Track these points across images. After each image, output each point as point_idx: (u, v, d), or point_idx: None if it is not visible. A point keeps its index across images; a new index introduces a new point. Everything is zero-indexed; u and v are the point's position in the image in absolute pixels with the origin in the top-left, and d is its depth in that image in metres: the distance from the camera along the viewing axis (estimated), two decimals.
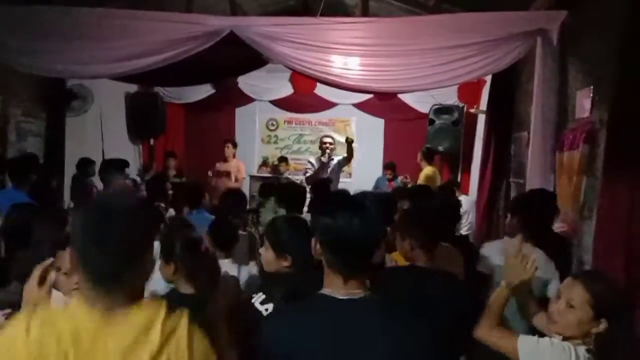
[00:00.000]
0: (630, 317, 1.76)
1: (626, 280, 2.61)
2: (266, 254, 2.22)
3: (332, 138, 7.11)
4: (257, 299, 2.11)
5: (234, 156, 7.57)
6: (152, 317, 1.24)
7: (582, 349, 1.72)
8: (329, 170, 6.65)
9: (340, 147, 7.53)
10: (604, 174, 3.02)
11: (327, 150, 6.77)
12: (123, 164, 5.32)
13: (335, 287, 1.49)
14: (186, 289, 2.27)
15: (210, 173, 7.44)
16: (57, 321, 1.23)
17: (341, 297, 1.47)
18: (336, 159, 6.81)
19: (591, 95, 3.58)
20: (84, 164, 5.63)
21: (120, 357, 1.20)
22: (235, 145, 7.61)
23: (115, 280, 1.24)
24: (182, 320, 1.28)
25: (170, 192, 5.32)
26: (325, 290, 1.50)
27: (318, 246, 1.53)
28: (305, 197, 4.23)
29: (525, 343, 1.81)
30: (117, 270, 1.24)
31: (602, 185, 3.04)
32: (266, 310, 2.03)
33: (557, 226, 3.86)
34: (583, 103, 3.71)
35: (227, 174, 7.41)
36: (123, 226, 1.25)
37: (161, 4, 4.78)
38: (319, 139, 8.35)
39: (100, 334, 1.21)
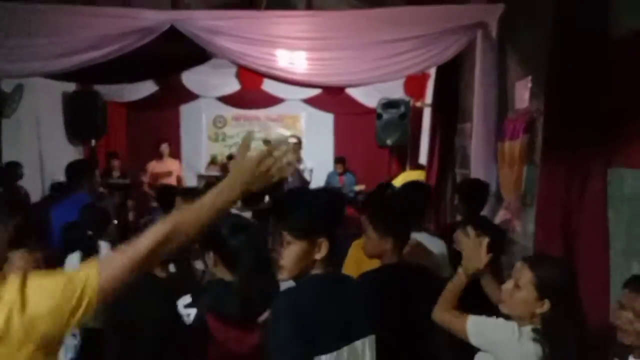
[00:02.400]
0: (574, 298, 1.80)
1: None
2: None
3: (298, 139, 7.09)
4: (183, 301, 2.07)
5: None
6: None
7: (527, 328, 1.78)
8: (303, 173, 6.64)
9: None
10: (542, 162, 3.11)
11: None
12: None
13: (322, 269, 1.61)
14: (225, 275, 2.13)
15: (144, 178, 7.25)
16: None
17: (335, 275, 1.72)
18: (305, 164, 6.81)
19: (529, 85, 3.69)
20: (8, 168, 5.33)
21: None
22: (170, 145, 7.66)
23: None
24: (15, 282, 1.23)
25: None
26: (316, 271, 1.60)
27: (323, 244, 1.60)
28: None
29: (473, 324, 1.88)
30: None
31: (540, 173, 3.14)
32: (187, 315, 2.00)
33: (501, 214, 3.97)
34: (522, 94, 3.82)
35: (169, 174, 7.33)
36: None
37: None
38: (269, 136, 8.32)
39: None
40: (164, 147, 7.55)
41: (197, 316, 2.00)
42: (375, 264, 2.34)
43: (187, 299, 2.09)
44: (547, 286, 1.77)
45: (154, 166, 7.47)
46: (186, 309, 2.05)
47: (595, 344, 2.51)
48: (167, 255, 2.12)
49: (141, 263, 1.28)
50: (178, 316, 2.07)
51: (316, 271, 1.57)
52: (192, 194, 3.74)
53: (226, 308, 1.86)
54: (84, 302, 1.24)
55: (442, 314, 2.00)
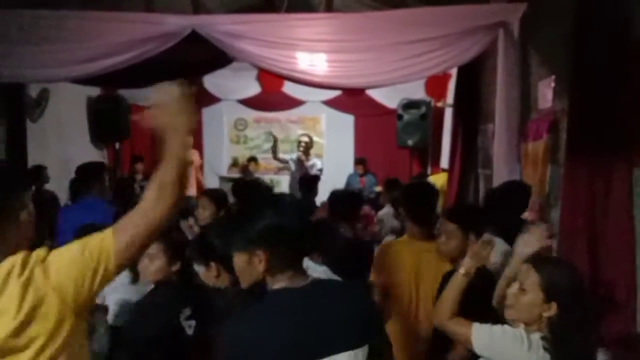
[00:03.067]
0: (582, 301, 1.72)
1: (589, 264, 2.66)
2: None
3: (309, 137, 7.14)
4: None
5: None
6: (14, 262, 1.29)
7: (536, 336, 1.71)
8: (310, 170, 6.68)
9: (316, 146, 7.59)
10: (566, 162, 3.07)
11: (302, 148, 6.81)
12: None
13: (287, 282, 1.49)
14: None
15: None
16: None
17: (299, 286, 1.49)
18: (314, 160, 6.85)
19: (552, 85, 3.64)
20: (34, 172, 5.45)
21: None
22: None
23: None
24: (20, 257, 1.31)
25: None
26: (280, 285, 1.49)
27: (262, 258, 1.47)
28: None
29: (478, 333, 1.80)
30: None
31: (564, 174, 3.09)
32: (189, 326, 2.01)
33: (525, 215, 3.92)
34: (545, 93, 3.77)
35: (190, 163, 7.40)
36: None
37: (119, 4, 4.67)
38: (288, 138, 8.40)
39: None
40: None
41: (198, 328, 2.03)
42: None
43: (187, 311, 2.10)
44: (554, 288, 1.69)
45: None
46: (187, 321, 2.07)
47: (622, 346, 2.48)
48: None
49: (151, 224, 1.36)
50: (181, 328, 2.08)
51: (279, 284, 1.49)
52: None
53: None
54: (101, 267, 1.32)
55: (445, 320, 1.92)
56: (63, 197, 5.54)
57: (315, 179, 5.62)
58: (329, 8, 5.32)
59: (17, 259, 1.30)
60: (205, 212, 3.63)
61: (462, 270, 1.98)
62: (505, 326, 1.79)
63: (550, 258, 2.18)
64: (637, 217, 2.56)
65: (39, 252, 1.33)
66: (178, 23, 4.21)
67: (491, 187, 4.00)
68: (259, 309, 1.48)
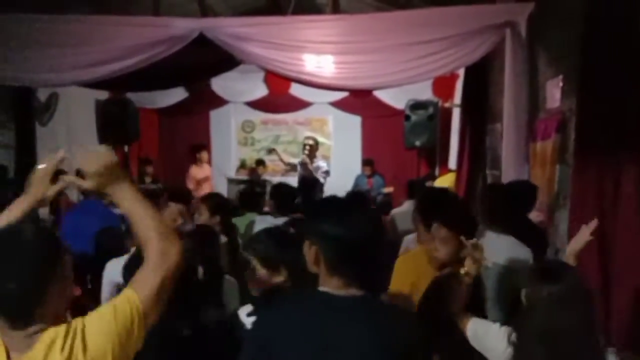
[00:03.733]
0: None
1: (598, 264, 2.65)
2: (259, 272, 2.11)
3: (314, 139, 7.14)
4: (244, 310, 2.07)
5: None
6: (50, 343, 1.25)
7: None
8: (316, 172, 6.68)
9: (324, 148, 7.60)
10: (575, 162, 3.06)
11: (307, 151, 6.81)
12: None
13: (334, 287, 1.47)
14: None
15: (190, 184, 7.39)
16: None
17: (341, 294, 1.45)
18: (320, 162, 6.84)
19: (560, 85, 3.62)
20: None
21: None
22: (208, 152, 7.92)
23: (24, 315, 1.25)
24: (78, 324, 1.28)
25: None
26: (323, 288, 1.48)
27: (313, 252, 1.48)
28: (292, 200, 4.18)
29: (472, 326, 1.95)
30: (23, 304, 1.24)
31: (573, 173, 3.08)
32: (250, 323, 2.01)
33: (534, 215, 3.90)
34: (553, 93, 3.75)
35: (207, 179, 7.56)
36: (23, 260, 1.24)
37: (127, 8, 4.71)
38: (295, 140, 8.41)
39: None
40: (204, 154, 7.75)
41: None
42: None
43: (248, 307, 2.10)
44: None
45: (195, 172, 7.64)
46: (248, 318, 2.05)
47: (631, 347, 2.46)
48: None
49: (165, 275, 1.35)
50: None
51: (323, 286, 1.49)
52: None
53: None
54: (135, 327, 1.31)
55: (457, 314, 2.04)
56: (74, 200, 5.58)
57: (315, 182, 5.61)
58: (336, 10, 5.32)
59: (59, 331, 1.26)
60: (201, 218, 3.62)
61: (462, 271, 2.04)
62: (496, 324, 1.92)
63: None
64: None
65: (77, 323, 1.29)
66: (186, 26, 4.24)
67: (495, 186, 3.96)
68: (289, 304, 1.52)
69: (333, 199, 1.73)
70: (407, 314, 1.60)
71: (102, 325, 1.29)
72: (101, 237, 3.46)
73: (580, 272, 1.92)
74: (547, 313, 1.69)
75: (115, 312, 1.30)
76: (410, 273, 2.45)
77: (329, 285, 1.48)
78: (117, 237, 3.26)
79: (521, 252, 2.60)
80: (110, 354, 1.27)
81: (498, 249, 2.51)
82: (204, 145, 7.94)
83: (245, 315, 2.03)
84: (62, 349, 1.23)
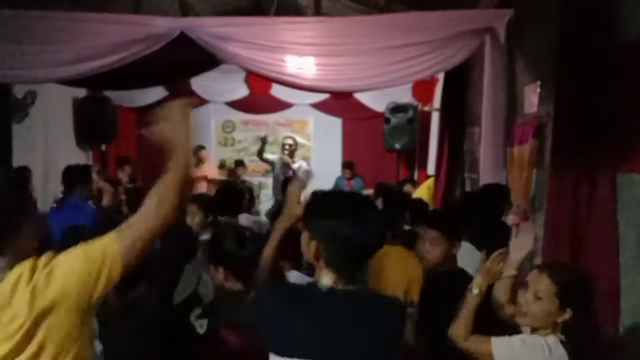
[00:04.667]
0: (592, 305, 1.83)
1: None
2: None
3: (293, 139, 7.14)
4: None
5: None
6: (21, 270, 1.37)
7: (551, 339, 1.76)
8: (296, 172, 6.68)
9: (304, 149, 7.60)
10: (552, 166, 3.11)
11: (287, 151, 6.81)
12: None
13: (329, 280, 1.51)
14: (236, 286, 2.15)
15: None
16: None
17: (335, 288, 1.50)
18: (300, 162, 6.85)
19: (538, 90, 3.69)
20: (18, 173, 5.37)
21: None
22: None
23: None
24: (29, 264, 1.39)
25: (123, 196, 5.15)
26: (320, 281, 1.52)
27: (314, 247, 1.51)
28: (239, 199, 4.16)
29: (499, 347, 1.82)
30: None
31: (549, 178, 3.14)
32: (200, 326, 2.04)
33: (510, 219, 3.96)
34: (531, 98, 3.82)
35: (205, 178, 7.55)
36: None
37: (106, 6, 4.64)
38: (276, 140, 8.39)
39: None
40: (203, 153, 7.74)
41: (209, 327, 2.04)
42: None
43: (198, 310, 2.12)
44: (570, 295, 1.75)
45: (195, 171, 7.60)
46: (198, 320, 2.08)
47: (607, 350, 2.51)
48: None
49: (151, 229, 1.45)
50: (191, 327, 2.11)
51: (319, 278, 1.54)
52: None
53: (244, 319, 1.88)
54: (105, 270, 1.39)
55: (462, 338, 1.93)
56: (50, 198, 5.49)
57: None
58: (317, 12, 5.35)
59: (25, 266, 1.37)
60: (195, 219, 3.58)
61: (475, 291, 1.95)
62: (522, 335, 1.84)
63: (561, 264, 2.22)
64: (621, 222, 2.60)
65: (45, 259, 1.40)
66: (167, 25, 4.20)
67: (470, 191, 4.03)
68: (286, 292, 1.57)
69: (342, 196, 1.74)
70: (396, 304, 1.63)
71: (69, 265, 1.39)
72: (66, 235, 3.40)
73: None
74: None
75: (86, 255, 1.40)
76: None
77: (325, 277, 1.52)
78: (82, 235, 3.21)
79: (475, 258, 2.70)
80: (73, 293, 1.36)
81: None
82: (201, 146, 7.89)
83: (195, 318, 2.07)
84: (28, 281, 1.35)
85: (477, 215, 3.18)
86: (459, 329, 1.94)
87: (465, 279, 2.18)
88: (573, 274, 1.88)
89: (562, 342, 1.75)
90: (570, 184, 2.84)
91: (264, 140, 7.40)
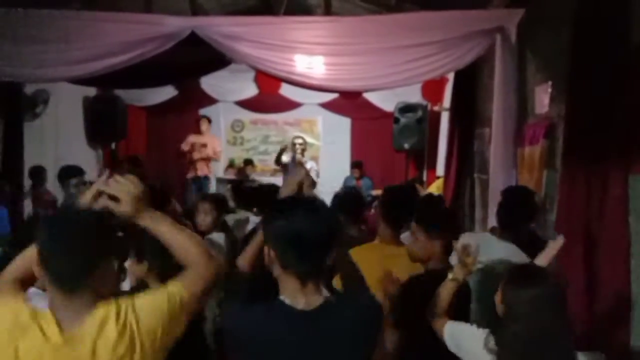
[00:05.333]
0: None
1: (584, 268, 2.68)
2: None
3: (303, 138, 7.14)
4: None
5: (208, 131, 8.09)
6: (105, 315, 1.37)
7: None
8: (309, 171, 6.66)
9: (313, 149, 7.61)
10: (563, 167, 3.09)
11: (298, 151, 6.81)
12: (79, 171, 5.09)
13: (292, 293, 1.47)
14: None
15: (183, 146, 7.89)
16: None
17: (300, 308, 1.45)
18: (310, 163, 6.85)
19: (549, 90, 3.67)
20: (36, 173, 5.44)
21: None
22: (209, 121, 8.13)
23: (76, 283, 1.36)
24: (128, 302, 1.40)
25: None
26: (284, 298, 1.47)
27: (271, 252, 1.49)
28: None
29: (449, 327, 1.96)
30: (77, 273, 1.35)
31: (560, 178, 3.12)
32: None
33: None
34: (542, 98, 3.80)
35: (204, 145, 7.88)
36: (82, 233, 1.37)
37: (117, 5, 4.67)
38: (285, 140, 8.40)
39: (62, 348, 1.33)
40: (203, 122, 8.05)
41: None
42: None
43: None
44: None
45: (193, 138, 7.99)
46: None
47: (616, 350, 2.50)
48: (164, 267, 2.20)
49: (207, 281, 1.49)
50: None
51: (283, 295, 1.49)
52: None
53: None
54: (182, 313, 1.44)
55: (433, 320, 2.02)
56: (59, 196, 5.53)
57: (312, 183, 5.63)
58: (327, 11, 5.34)
59: (111, 306, 1.38)
60: (207, 218, 3.55)
61: (450, 276, 2.03)
62: (474, 326, 1.93)
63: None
64: (632, 223, 2.58)
65: (127, 301, 1.41)
66: (177, 24, 4.21)
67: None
68: (255, 318, 1.49)
69: (285, 199, 1.72)
70: (369, 306, 1.60)
71: (154, 304, 1.41)
72: None
73: (557, 275, 1.96)
74: (526, 317, 1.72)
75: (168, 296, 1.42)
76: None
77: (287, 291, 1.48)
78: None
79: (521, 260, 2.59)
80: (159, 332, 1.39)
81: (497, 253, 2.54)
82: (203, 115, 8.22)
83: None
84: (117, 321, 1.35)
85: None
86: (431, 310, 2.03)
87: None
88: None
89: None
90: (581, 184, 2.83)
91: (282, 149, 7.45)
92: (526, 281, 1.78)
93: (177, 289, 1.43)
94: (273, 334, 1.45)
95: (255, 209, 4.21)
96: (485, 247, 2.64)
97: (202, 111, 8.88)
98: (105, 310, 1.36)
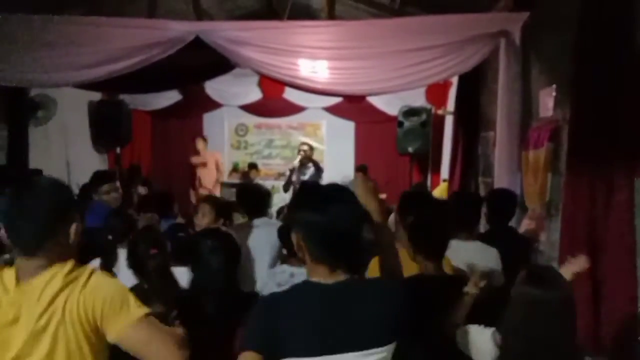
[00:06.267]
0: None
1: (589, 273, 2.66)
2: None
3: (309, 144, 7.10)
4: None
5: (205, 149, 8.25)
6: (56, 272, 1.52)
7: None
8: (307, 176, 6.64)
9: (317, 153, 7.56)
10: (567, 171, 3.08)
11: (301, 156, 6.78)
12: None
13: (321, 276, 1.52)
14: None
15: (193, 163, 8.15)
16: None
17: (329, 282, 1.50)
18: (313, 167, 6.81)
19: (553, 94, 3.66)
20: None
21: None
22: (204, 140, 8.25)
23: (36, 246, 1.52)
24: (86, 271, 1.56)
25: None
26: (312, 279, 1.53)
27: (296, 239, 1.54)
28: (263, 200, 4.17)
29: (459, 332, 2.02)
30: (35, 239, 1.52)
31: (565, 182, 3.11)
32: None
33: (525, 223, 3.93)
34: (546, 102, 3.79)
35: (204, 164, 8.05)
36: (40, 202, 1.54)
37: (122, 11, 4.69)
38: (289, 144, 8.39)
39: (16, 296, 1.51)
40: (198, 142, 8.19)
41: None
42: None
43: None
44: None
45: (193, 159, 8.23)
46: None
47: (623, 355, 2.48)
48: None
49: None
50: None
51: (311, 276, 1.55)
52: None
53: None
54: (117, 327, 1.54)
55: (452, 329, 2.07)
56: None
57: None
58: (331, 16, 5.35)
59: (65, 266, 1.54)
60: (204, 219, 3.61)
61: (465, 290, 2.15)
62: (482, 326, 1.97)
63: None
64: (638, 227, 2.57)
65: (87, 270, 1.56)
66: (182, 29, 4.23)
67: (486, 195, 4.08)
68: (285, 296, 1.54)
69: (315, 187, 1.74)
70: (395, 288, 1.62)
71: (107, 289, 1.54)
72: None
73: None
74: (536, 319, 1.71)
75: (122, 298, 1.54)
76: None
77: (316, 274, 1.53)
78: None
79: (489, 254, 2.79)
80: (98, 313, 1.50)
81: (464, 254, 2.63)
82: (196, 135, 8.35)
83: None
84: (64, 277, 1.51)
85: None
86: (450, 321, 2.09)
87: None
88: None
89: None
90: (586, 188, 2.81)
91: (291, 170, 7.01)
92: (538, 282, 1.78)
93: (133, 312, 1.53)
94: (303, 307, 1.49)
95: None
96: (455, 251, 2.70)
97: (206, 115, 8.92)
98: (59, 268, 1.52)
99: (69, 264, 1.53)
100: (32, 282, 1.50)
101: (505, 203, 3.48)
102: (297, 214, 1.55)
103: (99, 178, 4.35)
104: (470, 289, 2.13)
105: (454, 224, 2.72)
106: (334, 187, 1.61)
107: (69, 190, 1.64)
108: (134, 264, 2.34)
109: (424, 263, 2.28)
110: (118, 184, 4.44)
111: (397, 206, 2.89)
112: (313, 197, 1.58)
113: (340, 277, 1.51)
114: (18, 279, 1.52)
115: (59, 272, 1.51)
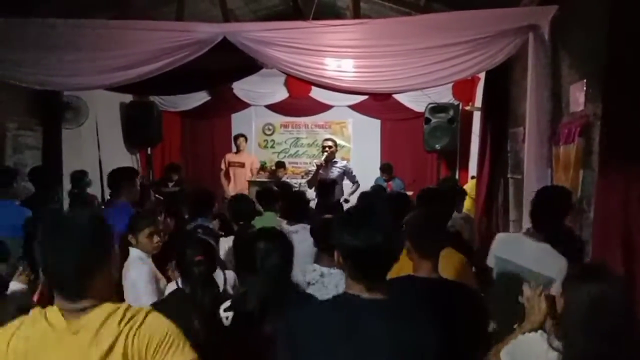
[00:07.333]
0: None
1: (624, 271, 2.62)
2: None
3: (333, 141, 7.10)
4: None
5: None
6: (110, 313, 1.43)
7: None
8: (332, 174, 6.62)
9: (343, 151, 7.57)
10: (600, 166, 3.02)
11: (327, 153, 6.77)
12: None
13: (358, 291, 1.60)
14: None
15: (222, 165, 7.84)
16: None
17: (364, 297, 1.58)
18: (340, 164, 6.78)
19: (584, 88, 3.59)
20: (77, 177, 5.59)
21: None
22: (245, 139, 8.01)
23: (80, 291, 1.42)
24: (142, 311, 1.47)
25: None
26: (350, 290, 1.61)
27: (337, 257, 1.65)
28: (306, 207, 4.29)
29: (505, 351, 1.92)
30: (79, 284, 1.42)
31: (598, 178, 3.05)
32: (226, 318, 2.17)
33: None
34: (577, 97, 3.72)
35: (242, 165, 7.84)
36: (81, 240, 1.43)
37: (151, 14, 4.78)
38: (315, 143, 8.41)
39: (65, 335, 1.40)
40: (241, 141, 7.93)
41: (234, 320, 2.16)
42: None
43: (227, 303, 2.22)
44: None
45: (230, 157, 7.95)
46: (225, 312, 2.17)
47: None
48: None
49: None
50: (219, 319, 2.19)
51: (350, 289, 1.63)
52: None
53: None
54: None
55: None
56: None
57: (333, 183, 5.65)
58: (356, 14, 5.35)
59: (119, 305, 1.45)
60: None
61: (519, 328, 2.03)
62: (525, 334, 1.91)
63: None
64: None
65: (140, 312, 1.47)
66: (210, 31, 4.30)
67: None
68: (322, 307, 1.66)
69: (354, 210, 1.82)
70: (426, 318, 1.65)
71: (163, 329, 1.46)
72: None
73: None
74: (601, 314, 1.68)
75: (177, 339, 1.46)
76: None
77: (354, 289, 1.60)
78: None
79: (556, 263, 2.54)
80: (151, 351, 1.43)
81: (532, 254, 2.54)
82: (241, 134, 8.09)
83: (223, 310, 2.19)
84: (119, 324, 1.41)
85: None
86: (497, 352, 1.97)
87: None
88: None
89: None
90: (619, 184, 2.76)
91: (319, 166, 6.82)
92: (598, 277, 1.75)
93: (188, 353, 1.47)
94: (340, 321, 1.55)
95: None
96: (520, 248, 2.62)
97: (234, 115, 9.01)
98: (112, 308, 1.43)
99: (123, 307, 1.45)
100: (81, 322, 1.42)
101: (561, 201, 3.14)
102: (336, 235, 1.64)
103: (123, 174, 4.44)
104: (525, 328, 1.99)
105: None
106: (368, 209, 1.70)
107: (107, 225, 1.53)
108: (181, 269, 2.42)
109: (418, 262, 2.22)
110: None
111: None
112: (348, 220, 1.67)
113: (375, 295, 1.59)
114: (64, 317, 1.42)
115: (113, 314, 1.43)
